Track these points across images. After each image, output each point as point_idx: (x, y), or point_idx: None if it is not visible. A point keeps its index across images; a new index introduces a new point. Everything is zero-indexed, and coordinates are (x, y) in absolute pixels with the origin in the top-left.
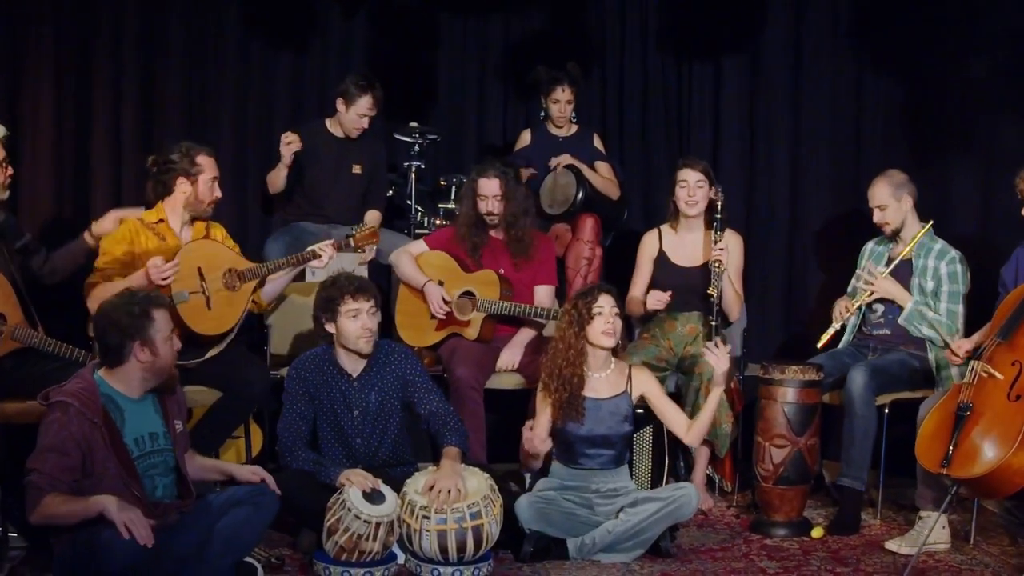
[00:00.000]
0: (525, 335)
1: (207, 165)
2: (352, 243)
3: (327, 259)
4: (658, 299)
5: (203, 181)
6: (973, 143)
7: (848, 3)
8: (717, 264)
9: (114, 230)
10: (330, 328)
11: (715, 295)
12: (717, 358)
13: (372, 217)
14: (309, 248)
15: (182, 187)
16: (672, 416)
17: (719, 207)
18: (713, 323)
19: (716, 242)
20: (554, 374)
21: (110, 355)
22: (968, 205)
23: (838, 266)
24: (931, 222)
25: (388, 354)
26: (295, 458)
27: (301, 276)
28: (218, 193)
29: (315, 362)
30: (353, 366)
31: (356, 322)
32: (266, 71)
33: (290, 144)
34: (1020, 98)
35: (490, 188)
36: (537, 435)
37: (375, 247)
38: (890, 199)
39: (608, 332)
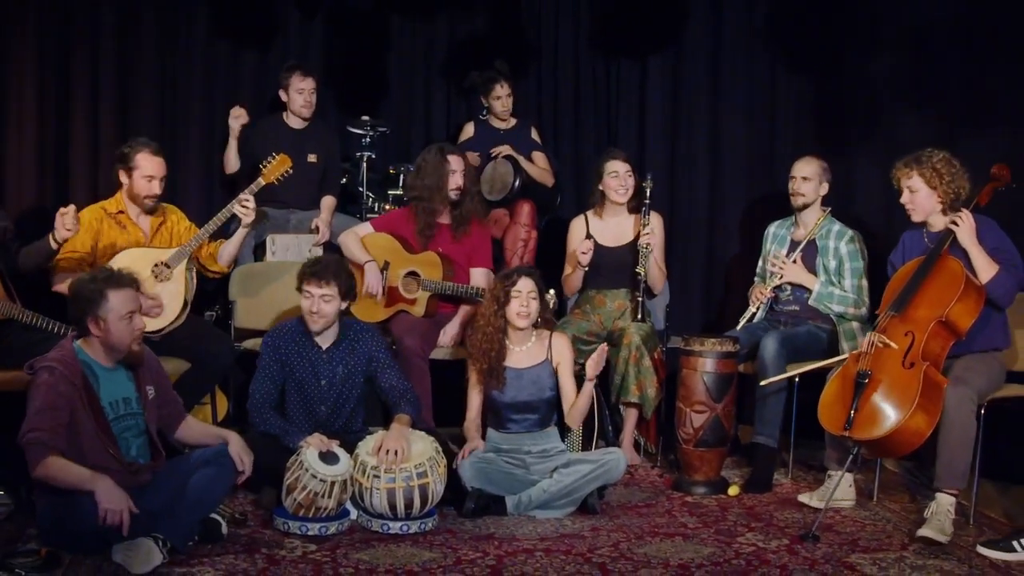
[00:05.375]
0: (464, 313)
1: (142, 162)
2: (262, 180)
3: (252, 207)
4: (584, 249)
5: (136, 176)
6: (876, 134)
7: (762, 6)
8: (646, 246)
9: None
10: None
11: (642, 273)
12: (595, 365)
13: (327, 202)
14: (227, 207)
15: (123, 179)
16: (567, 392)
17: (647, 193)
18: (640, 298)
19: (645, 225)
20: (476, 347)
21: (78, 326)
22: (871, 192)
23: (753, 247)
24: (829, 208)
25: (358, 332)
26: (263, 419)
27: (262, 255)
28: (155, 191)
29: (289, 333)
30: (323, 339)
31: (306, 303)
32: (231, 69)
33: (238, 117)
34: (920, 93)
35: (459, 162)
36: (469, 424)
37: (325, 230)
38: (814, 175)
39: (522, 314)
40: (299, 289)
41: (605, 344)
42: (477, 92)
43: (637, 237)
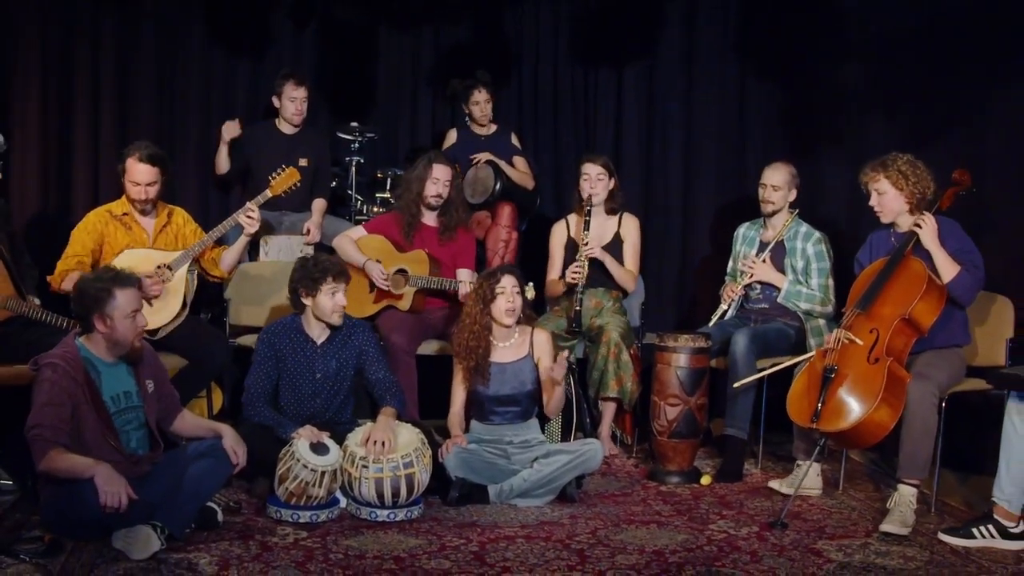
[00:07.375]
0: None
1: (129, 168)
2: (269, 192)
3: (257, 217)
4: (573, 271)
5: (126, 181)
6: (843, 139)
7: (734, 16)
8: (584, 249)
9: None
10: (307, 301)
11: (581, 273)
12: (558, 368)
13: (318, 205)
14: (232, 216)
15: (123, 181)
16: (547, 386)
17: (589, 197)
18: (577, 308)
19: (585, 232)
20: (462, 345)
21: (82, 323)
22: (839, 195)
23: (724, 247)
24: (797, 210)
25: (350, 328)
26: (257, 412)
27: (255, 255)
28: (142, 196)
29: (285, 329)
30: (318, 335)
31: (333, 300)
32: (227, 77)
33: (230, 130)
34: (885, 100)
35: (444, 173)
36: (453, 417)
37: (316, 232)
38: (784, 184)
39: (508, 310)
40: (313, 289)
41: (565, 353)
42: (458, 100)
43: (615, 238)
